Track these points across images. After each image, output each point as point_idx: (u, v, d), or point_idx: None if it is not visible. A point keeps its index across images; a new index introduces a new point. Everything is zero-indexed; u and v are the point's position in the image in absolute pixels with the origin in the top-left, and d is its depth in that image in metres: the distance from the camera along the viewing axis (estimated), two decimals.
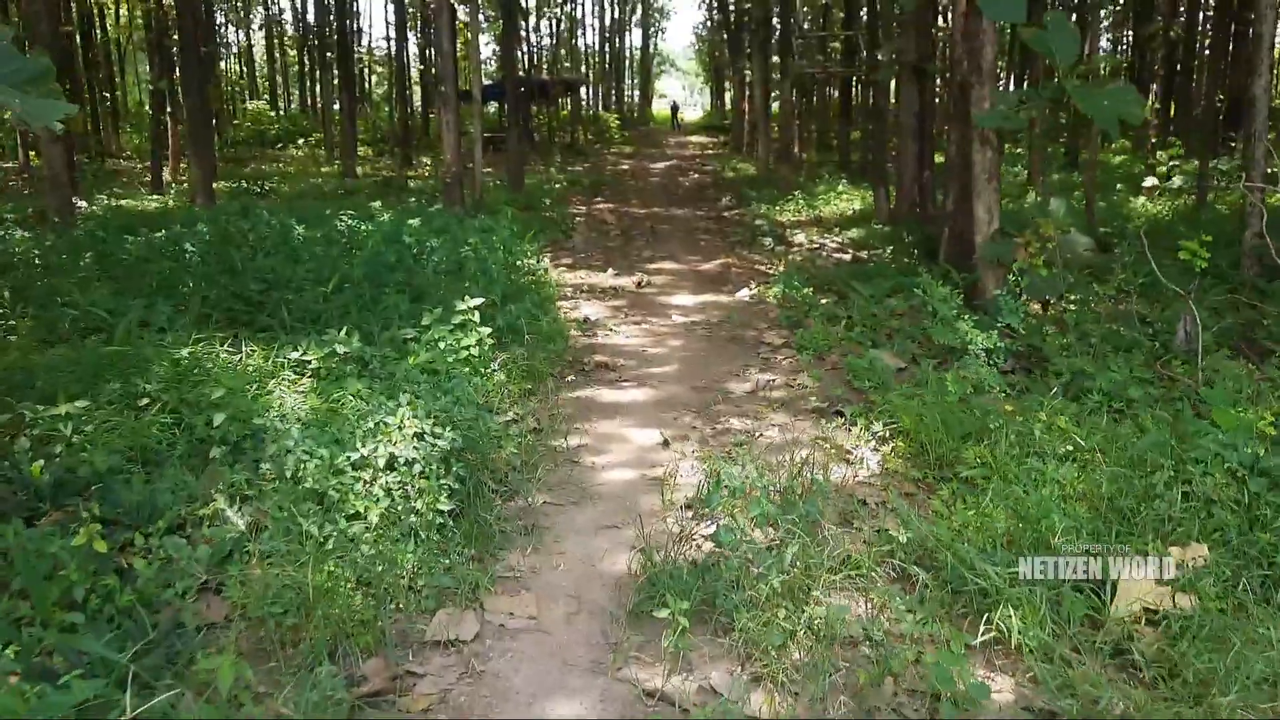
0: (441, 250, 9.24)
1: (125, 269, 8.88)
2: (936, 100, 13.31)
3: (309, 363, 6.23)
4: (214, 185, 20.77)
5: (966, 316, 6.66)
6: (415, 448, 4.11)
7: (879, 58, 11.99)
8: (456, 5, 17.22)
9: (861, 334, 7.90)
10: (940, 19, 16.04)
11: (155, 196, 20.01)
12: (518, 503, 4.84)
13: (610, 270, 11.70)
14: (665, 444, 5.82)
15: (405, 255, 9.19)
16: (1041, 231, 7.56)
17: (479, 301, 6.59)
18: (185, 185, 20.44)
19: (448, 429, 4.31)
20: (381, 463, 4.03)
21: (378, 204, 12.39)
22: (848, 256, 12.51)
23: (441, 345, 6.41)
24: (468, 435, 4.61)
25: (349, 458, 3.99)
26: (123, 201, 17.95)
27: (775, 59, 27.97)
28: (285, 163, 34.41)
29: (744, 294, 10.29)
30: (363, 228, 10.97)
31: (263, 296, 8.05)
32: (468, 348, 6.44)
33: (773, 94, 30.02)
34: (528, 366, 6.90)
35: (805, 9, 37.92)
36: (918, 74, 11.02)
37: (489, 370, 6.60)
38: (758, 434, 5.94)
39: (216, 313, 7.59)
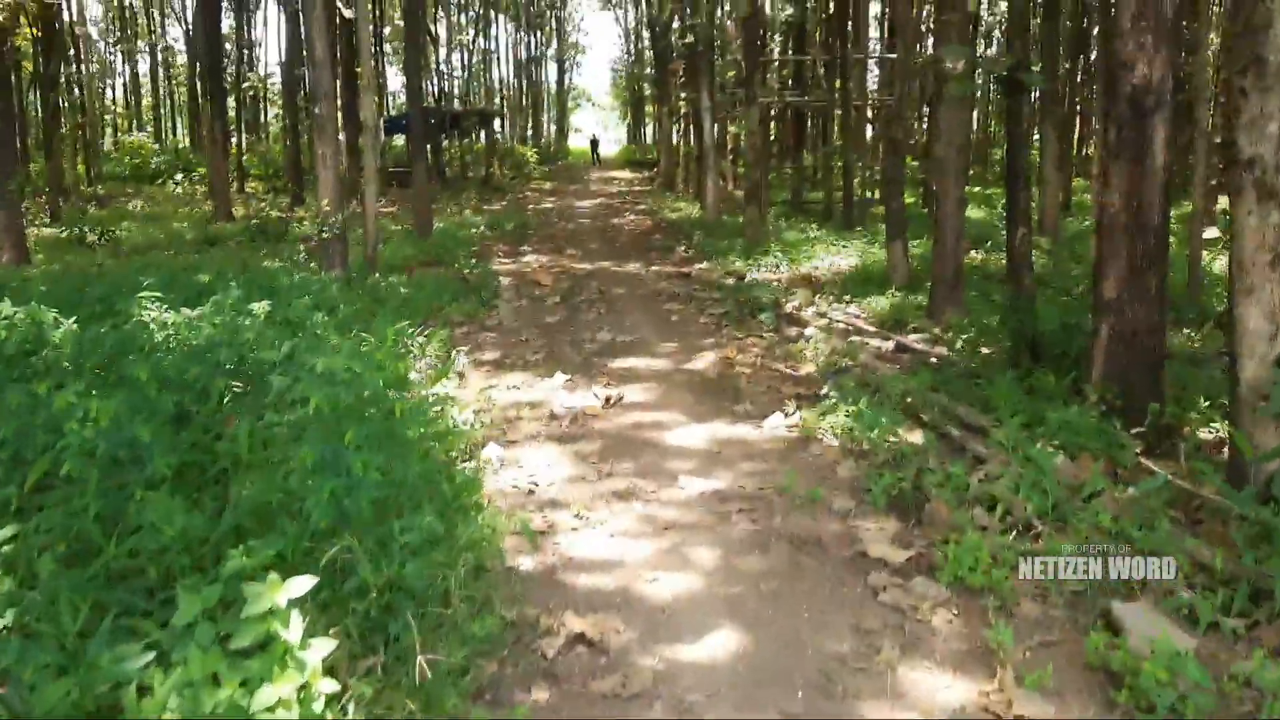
0: (282, 378, 5.28)
1: None
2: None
3: None
4: (32, 234, 16.38)
5: None
6: None
7: (947, 66, 8.49)
8: (342, 6, 13.34)
9: (1072, 552, 4.19)
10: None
11: None
12: None
13: (560, 375, 7.86)
14: None
15: (215, 387, 5.21)
16: None
17: (303, 586, 2.75)
18: None
19: None
20: None
21: (204, 277, 8.34)
22: (890, 344, 8.93)
23: (210, 706, 2.55)
24: None
25: None
26: None
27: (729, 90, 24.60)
28: (158, 201, 29.80)
29: (777, 423, 6.57)
30: (173, 323, 6.95)
31: None
32: (273, 710, 2.58)
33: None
34: None
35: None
36: (1011, 87, 7.57)
37: None
38: None
39: None
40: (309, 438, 3.93)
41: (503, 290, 12.52)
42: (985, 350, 8.07)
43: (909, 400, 6.65)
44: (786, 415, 6.66)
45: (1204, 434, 6.15)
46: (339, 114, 21.50)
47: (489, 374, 8.10)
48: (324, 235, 10.91)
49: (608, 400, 7.22)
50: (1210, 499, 4.64)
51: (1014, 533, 4.54)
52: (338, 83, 24.05)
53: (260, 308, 7.44)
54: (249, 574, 3.18)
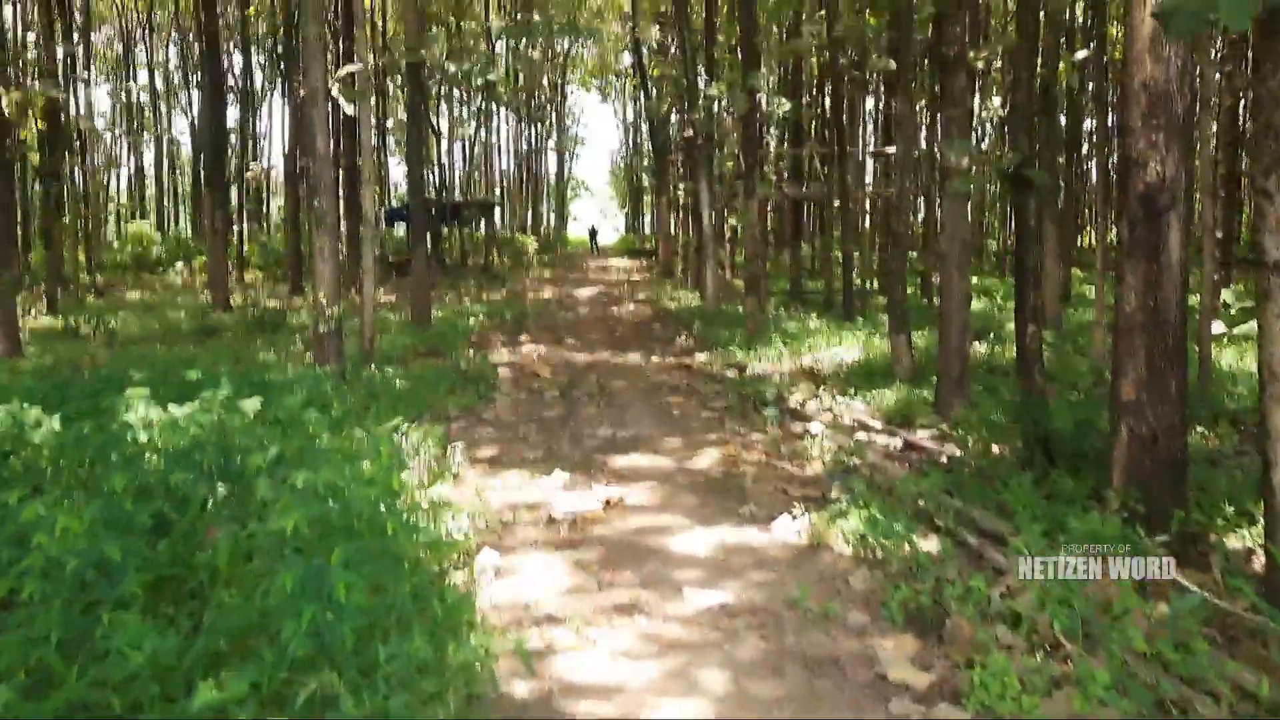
0: (268, 484, 5.04)
1: None
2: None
3: None
4: (29, 325, 16.31)
5: None
6: None
7: (953, 161, 8.46)
8: (345, 103, 13.46)
9: (1104, 690, 3.90)
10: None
11: None
12: None
13: (559, 473, 7.62)
14: None
15: (197, 494, 4.97)
16: None
17: None
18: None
19: None
20: None
21: (194, 374, 8.16)
22: (898, 441, 8.71)
23: None
24: None
25: None
26: None
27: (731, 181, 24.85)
28: (157, 290, 29.89)
29: (785, 528, 6.31)
30: (157, 422, 6.73)
31: None
32: None
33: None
34: None
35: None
36: (1018, 184, 7.53)
37: None
38: None
39: None
40: (289, 559, 3.69)
41: (500, 382, 12.34)
42: (996, 449, 7.84)
43: (922, 504, 6.41)
44: (794, 518, 6.40)
45: (1231, 540, 5.90)
46: (340, 205, 21.67)
47: (485, 472, 7.86)
48: (320, 331, 10.77)
49: (608, 502, 6.97)
50: (1247, 617, 4.37)
51: (1041, 652, 4.27)
52: (340, 174, 24.34)
53: (250, 405, 7.23)
54: (221, 707, 2.94)
